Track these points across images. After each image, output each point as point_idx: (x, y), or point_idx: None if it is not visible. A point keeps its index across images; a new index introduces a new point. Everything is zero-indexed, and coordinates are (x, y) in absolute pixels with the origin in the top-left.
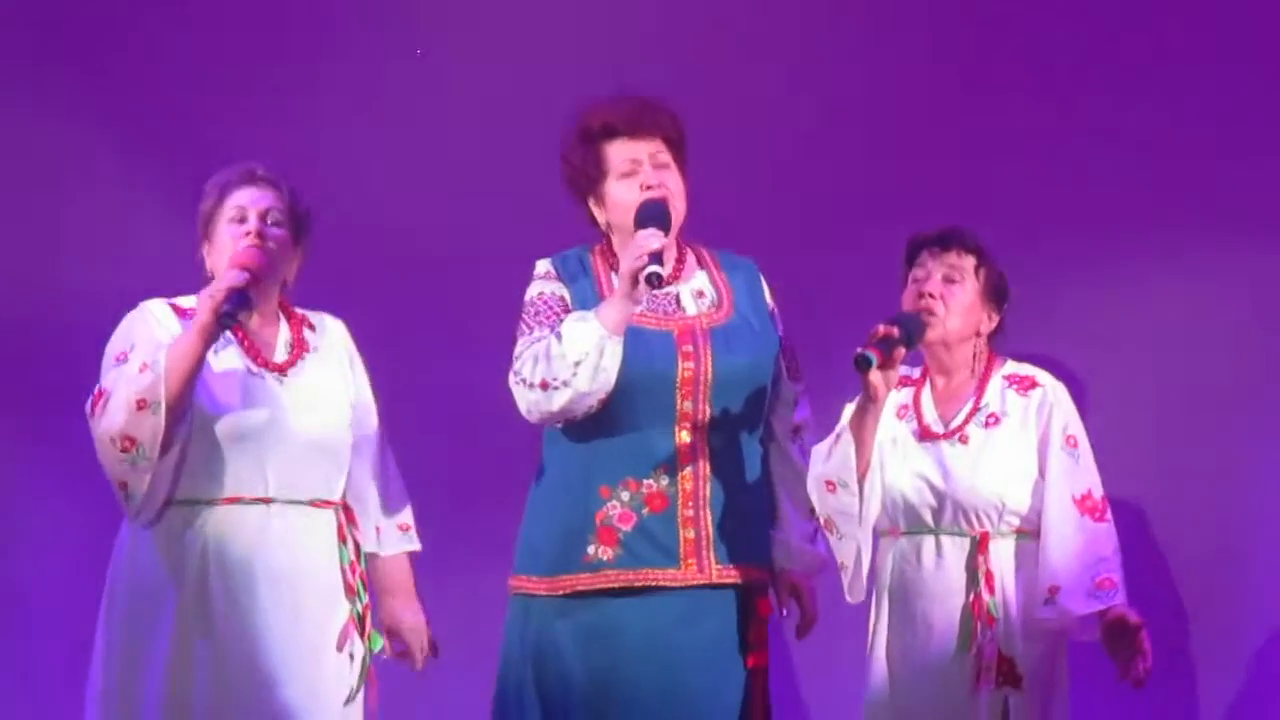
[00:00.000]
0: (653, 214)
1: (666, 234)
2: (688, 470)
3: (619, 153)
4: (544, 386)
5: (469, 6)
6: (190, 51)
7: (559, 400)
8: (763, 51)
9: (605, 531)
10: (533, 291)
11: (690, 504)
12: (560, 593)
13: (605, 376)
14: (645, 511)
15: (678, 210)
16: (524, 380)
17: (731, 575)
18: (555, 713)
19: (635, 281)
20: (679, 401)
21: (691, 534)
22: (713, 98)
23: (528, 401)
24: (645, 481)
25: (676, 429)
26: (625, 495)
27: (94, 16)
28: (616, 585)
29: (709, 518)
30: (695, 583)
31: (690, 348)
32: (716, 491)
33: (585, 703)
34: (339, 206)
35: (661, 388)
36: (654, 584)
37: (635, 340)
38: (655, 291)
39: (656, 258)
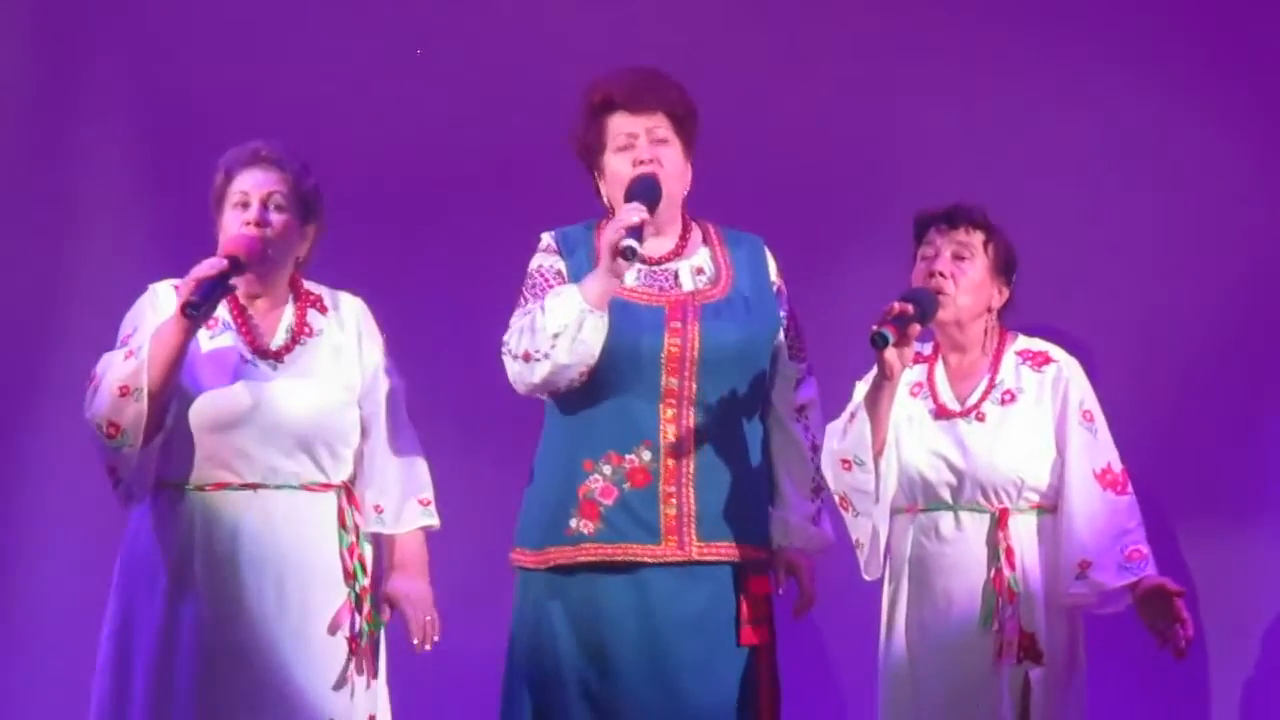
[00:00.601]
0: (640, 189)
1: (653, 209)
2: (671, 446)
3: (617, 126)
4: (526, 358)
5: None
6: (194, 36)
7: (540, 372)
8: (770, 31)
9: (587, 505)
10: (533, 264)
11: (673, 480)
12: (545, 566)
13: (584, 349)
14: (627, 486)
15: (671, 186)
16: (510, 351)
17: (715, 552)
18: (550, 686)
19: (614, 255)
20: (664, 377)
21: (673, 510)
22: (718, 78)
23: (513, 373)
24: (628, 456)
25: (661, 405)
26: (607, 469)
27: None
28: (596, 559)
29: (692, 494)
30: (676, 559)
31: (679, 324)
32: (702, 468)
33: (577, 677)
34: (344, 190)
35: (647, 363)
36: (634, 559)
37: (625, 315)
38: (655, 268)
39: (636, 232)
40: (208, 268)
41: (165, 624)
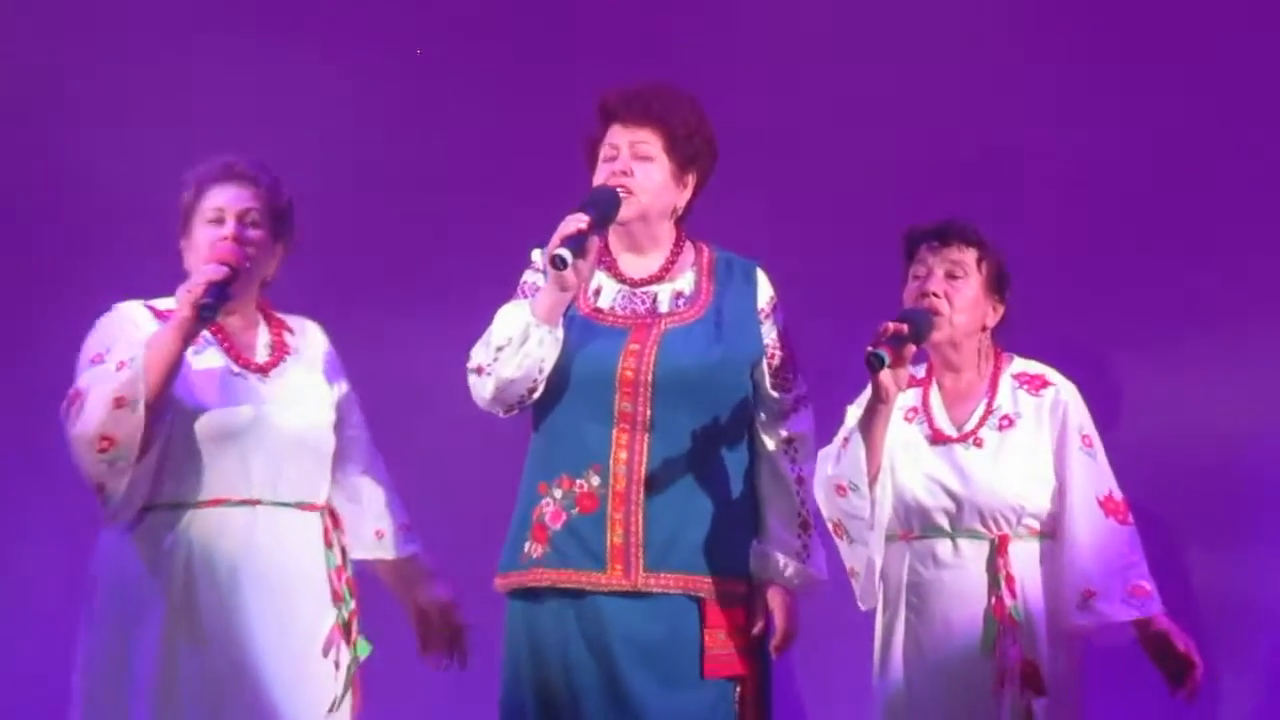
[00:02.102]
0: (594, 198)
1: (603, 223)
2: (621, 472)
3: (609, 137)
4: (479, 371)
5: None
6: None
7: (489, 387)
8: (773, 51)
9: (538, 528)
10: (521, 280)
11: (621, 506)
12: (507, 590)
13: (530, 364)
14: (575, 511)
15: (645, 204)
16: (469, 364)
17: (665, 583)
18: (525, 712)
19: (550, 264)
20: (617, 401)
21: (620, 538)
22: (714, 97)
23: (470, 387)
24: (578, 480)
25: (615, 429)
26: (558, 493)
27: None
28: (544, 584)
29: (641, 521)
30: (621, 588)
31: (637, 346)
32: (656, 496)
33: (544, 704)
34: (319, 204)
35: (600, 385)
36: (578, 586)
37: (585, 334)
38: (635, 290)
39: (572, 241)
40: (212, 272)
41: (165, 650)
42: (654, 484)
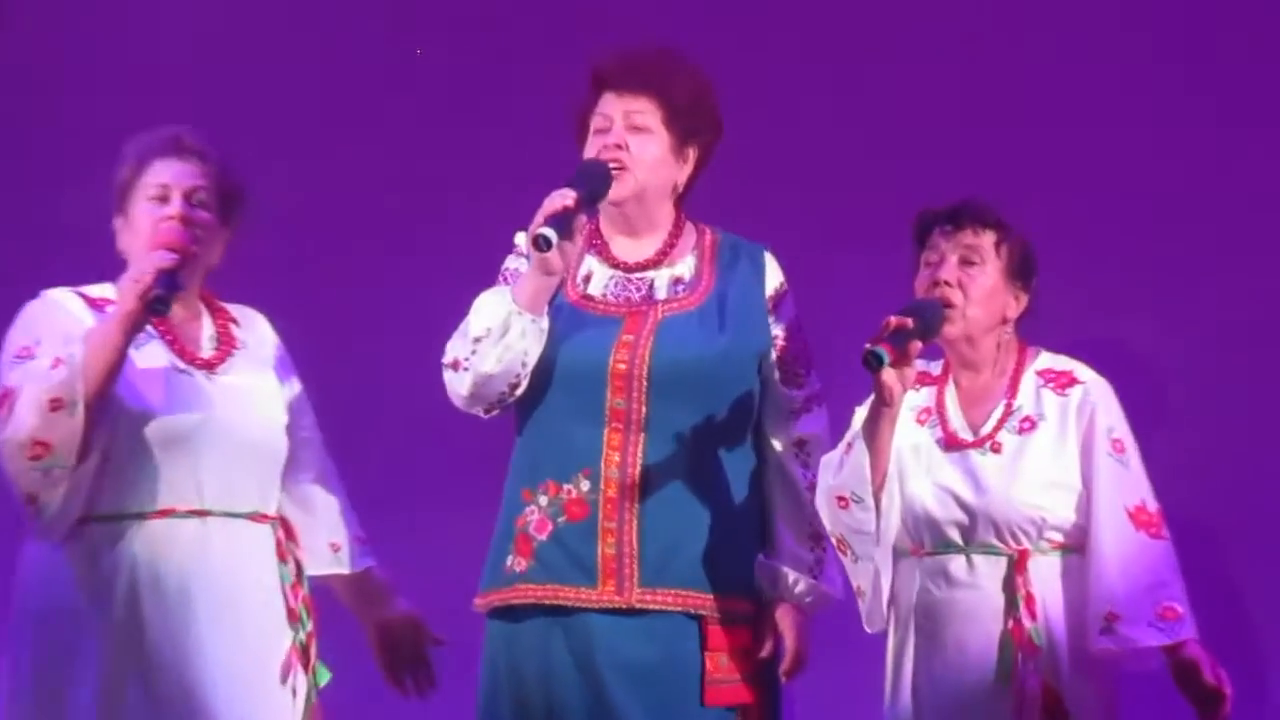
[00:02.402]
0: (583, 173)
1: (593, 200)
2: (613, 476)
3: (601, 106)
4: (455, 366)
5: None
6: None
7: (466, 383)
8: (774, 40)
9: (522, 540)
10: (503, 266)
11: (614, 515)
12: (489, 609)
13: (511, 357)
14: (562, 520)
15: (641, 180)
16: (443, 360)
17: (661, 600)
18: None
19: (532, 245)
20: (609, 397)
21: (612, 549)
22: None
23: (446, 383)
24: (565, 486)
25: (606, 429)
26: (544, 500)
27: None
28: (529, 601)
29: (635, 532)
30: (614, 605)
31: (631, 337)
32: (651, 503)
33: None
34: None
35: (591, 380)
36: (567, 603)
37: (574, 324)
38: (629, 276)
39: (558, 220)
40: (161, 259)
41: (108, 682)
42: (650, 490)
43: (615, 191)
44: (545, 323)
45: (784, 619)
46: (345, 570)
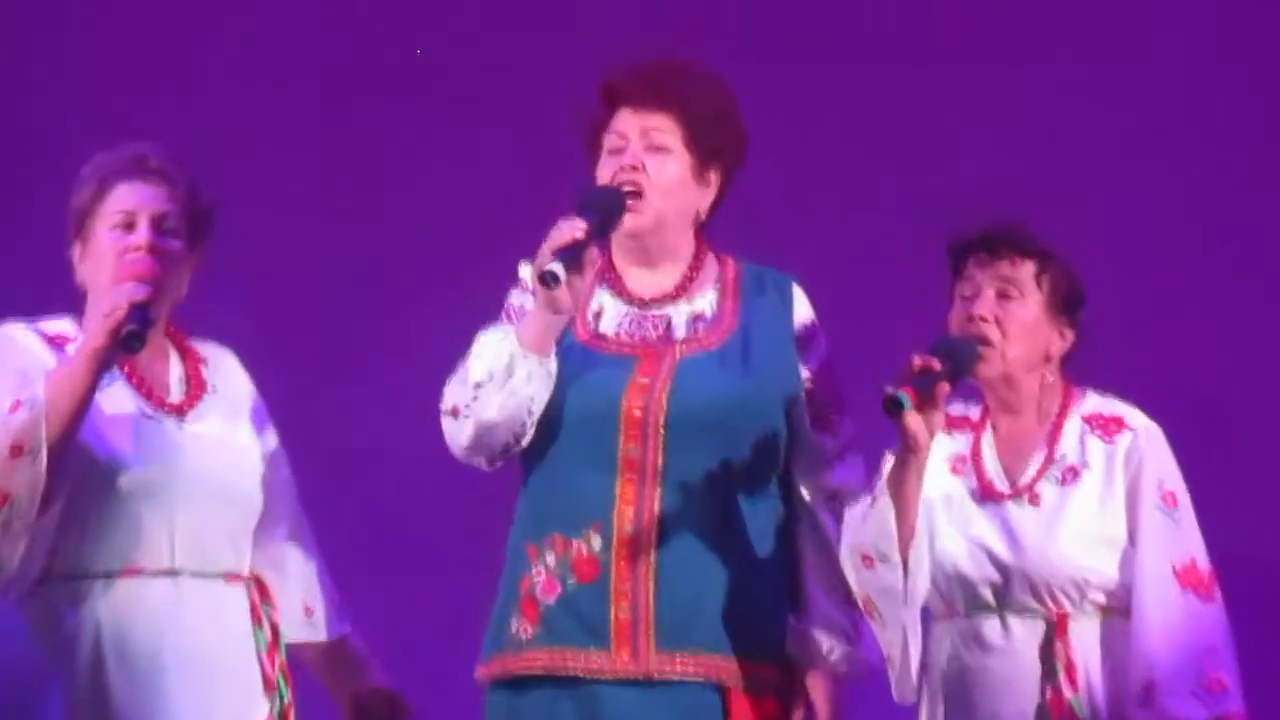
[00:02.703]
0: (593, 200)
1: (606, 229)
2: (627, 532)
3: (615, 124)
4: (454, 414)
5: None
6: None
7: (467, 432)
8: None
9: (527, 603)
10: (506, 301)
11: (627, 575)
12: (492, 679)
13: (516, 404)
14: (572, 580)
15: (660, 207)
16: (441, 407)
17: (681, 668)
18: None
19: (538, 281)
20: (622, 444)
21: (626, 612)
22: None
23: (445, 432)
24: (575, 543)
25: (619, 479)
26: (551, 558)
27: None
28: (536, 670)
29: (651, 592)
30: (629, 675)
31: (646, 380)
32: (669, 561)
33: None
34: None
35: (602, 427)
36: (576, 673)
37: (585, 365)
38: (645, 311)
39: (567, 253)
40: (133, 292)
41: None
42: (667, 546)
43: (632, 222)
44: (553, 365)
45: (816, 688)
46: (319, 637)
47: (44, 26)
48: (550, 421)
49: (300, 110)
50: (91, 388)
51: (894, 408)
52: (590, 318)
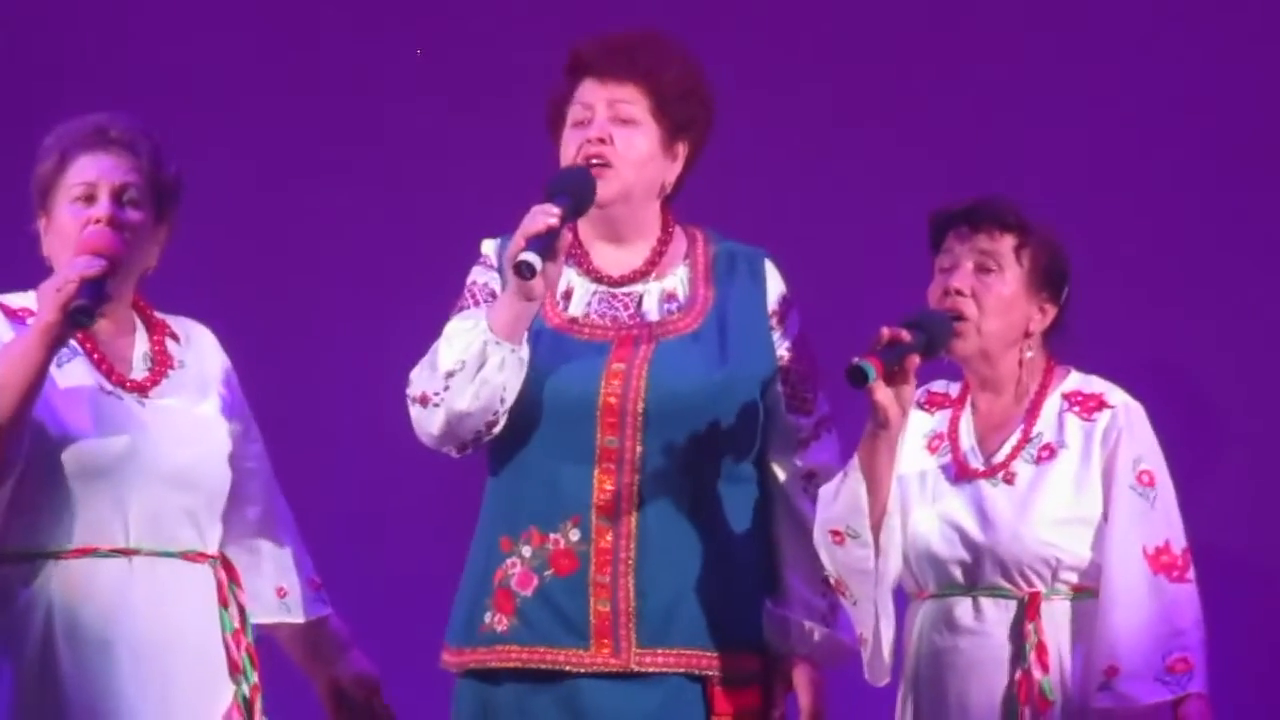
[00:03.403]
0: (563, 184)
1: (578, 212)
2: (605, 524)
3: (580, 95)
4: (423, 401)
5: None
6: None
7: (437, 421)
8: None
9: (502, 596)
10: (469, 279)
11: (607, 567)
12: (463, 670)
13: (489, 393)
14: (549, 573)
15: (627, 181)
16: (409, 393)
17: (663, 661)
18: None
19: (513, 270)
20: (600, 434)
21: (606, 606)
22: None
23: (413, 419)
24: (552, 535)
25: (597, 470)
26: (527, 551)
27: None
28: (512, 664)
29: (631, 585)
30: (609, 669)
31: (622, 366)
32: (648, 553)
33: None
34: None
35: (578, 415)
36: (554, 667)
37: (557, 351)
38: (613, 291)
39: (540, 241)
40: (86, 266)
41: None
42: (646, 538)
43: (600, 192)
44: (525, 352)
45: (800, 676)
46: (293, 619)
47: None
48: (523, 411)
49: (273, 81)
50: (44, 363)
51: (858, 378)
52: (559, 298)
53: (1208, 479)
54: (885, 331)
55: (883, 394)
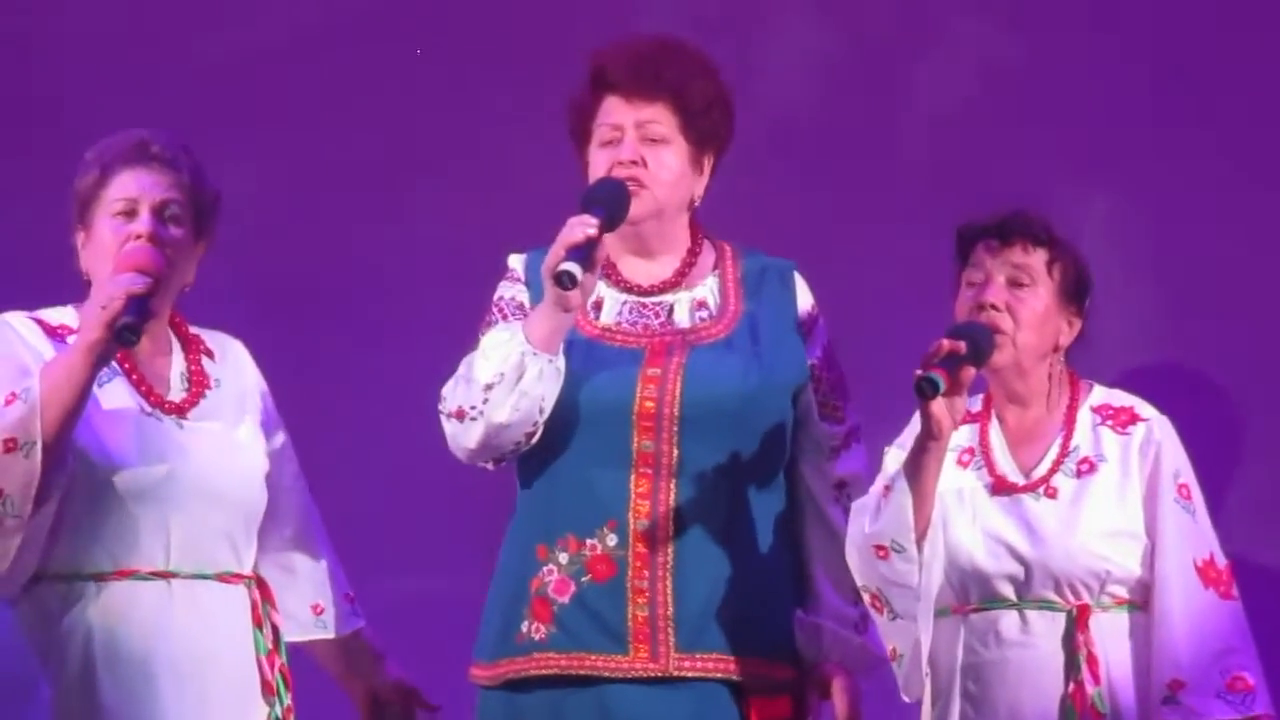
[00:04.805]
0: (599, 196)
1: (613, 224)
2: (643, 528)
3: (606, 113)
4: (459, 416)
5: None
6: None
7: (475, 434)
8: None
9: (539, 604)
10: (496, 295)
11: (645, 572)
12: (498, 682)
13: (528, 404)
14: (586, 579)
15: (661, 197)
16: (443, 409)
17: (701, 666)
18: None
19: (552, 281)
20: (636, 439)
21: (644, 611)
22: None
23: (448, 435)
24: (589, 541)
25: (633, 475)
26: (563, 558)
27: None
28: (550, 671)
29: (670, 590)
30: (648, 674)
31: (657, 371)
32: (686, 558)
33: None
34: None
35: (615, 421)
36: (594, 672)
37: (591, 358)
38: (644, 300)
39: (579, 252)
40: (131, 283)
41: None
42: (683, 542)
43: (633, 209)
44: (562, 362)
45: (833, 684)
46: (329, 635)
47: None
48: (557, 419)
49: (299, 98)
50: (88, 382)
51: (929, 389)
52: (590, 309)
53: (1231, 491)
54: (945, 343)
55: (938, 405)
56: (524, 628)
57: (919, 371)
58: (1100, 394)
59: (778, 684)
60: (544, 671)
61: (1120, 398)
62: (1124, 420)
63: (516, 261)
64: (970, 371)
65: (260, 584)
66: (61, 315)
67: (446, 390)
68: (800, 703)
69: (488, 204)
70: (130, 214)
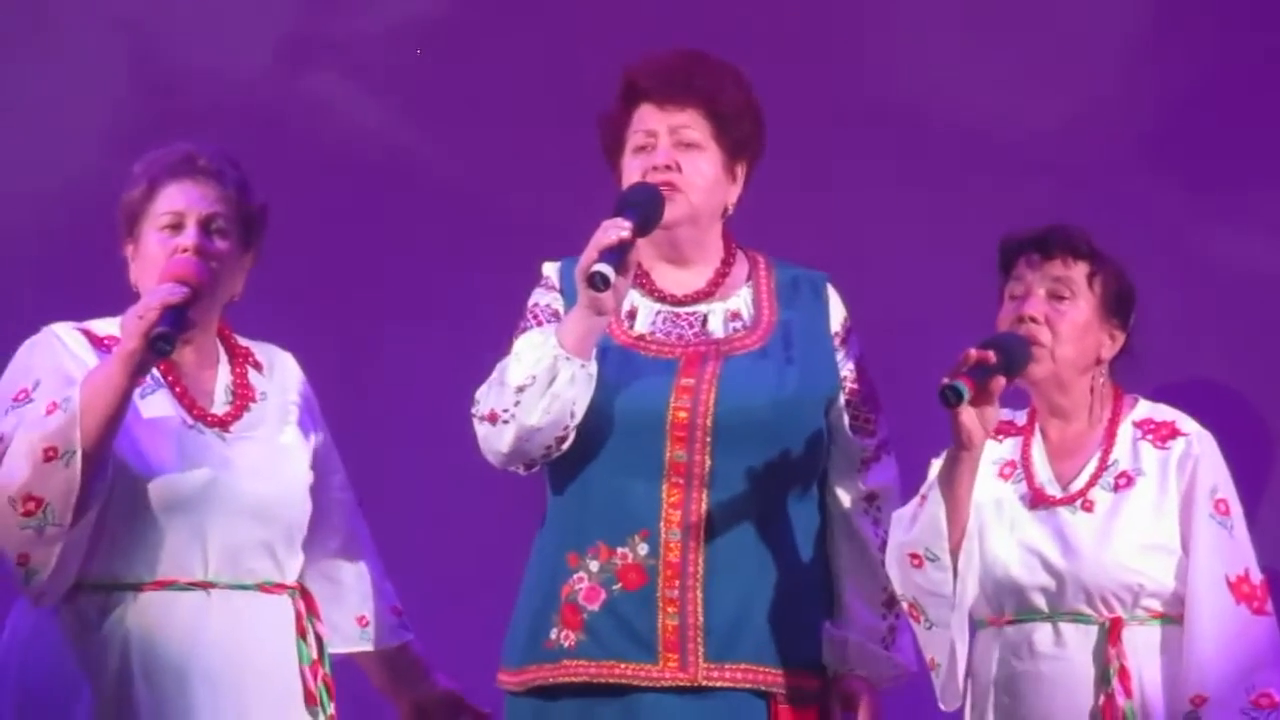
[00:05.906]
0: (633, 199)
1: (646, 228)
2: (674, 538)
3: (640, 121)
4: (492, 419)
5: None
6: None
7: (507, 438)
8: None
9: (569, 611)
10: (530, 301)
11: (675, 581)
12: (525, 688)
13: (560, 408)
14: (617, 587)
15: (696, 203)
16: (477, 411)
17: (730, 676)
18: None
19: (585, 283)
20: (669, 449)
21: (674, 620)
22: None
23: (480, 439)
24: (619, 550)
25: (665, 484)
26: (594, 565)
27: None
28: (579, 680)
29: (700, 600)
30: (678, 684)
31: (691, 381)
32: (716, 568)
33: None
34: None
35: (648, 430)
36: (624, 681)
37: (625, 367)
38: (678, 310)
39: (612, 254)
40: (169, 293)
41: None
42: (714, 552)
43: (668, 212)
44: (594, 367)
45: (857, 697)
46: (371, 647)
47: None
48: (590, 426)
49: (326, 109)
50: (126, 391)
51: (953, 398)
52: (624, 317)
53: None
54: (973, 353)
55: (968, 415)
56: (553, 634)
57: (944, 379)
58: (1144, 408)
59: (807, 695)
60: (572, 679)
61: (1164, 412)
62: (1164, 435)
63: (551, 269)
64: (1000, 381)
65: (305, 594)
66: (109, 326)
67: (480, 394)
68: (826, 715)
69: (538, 213)
70: (177, 227)
